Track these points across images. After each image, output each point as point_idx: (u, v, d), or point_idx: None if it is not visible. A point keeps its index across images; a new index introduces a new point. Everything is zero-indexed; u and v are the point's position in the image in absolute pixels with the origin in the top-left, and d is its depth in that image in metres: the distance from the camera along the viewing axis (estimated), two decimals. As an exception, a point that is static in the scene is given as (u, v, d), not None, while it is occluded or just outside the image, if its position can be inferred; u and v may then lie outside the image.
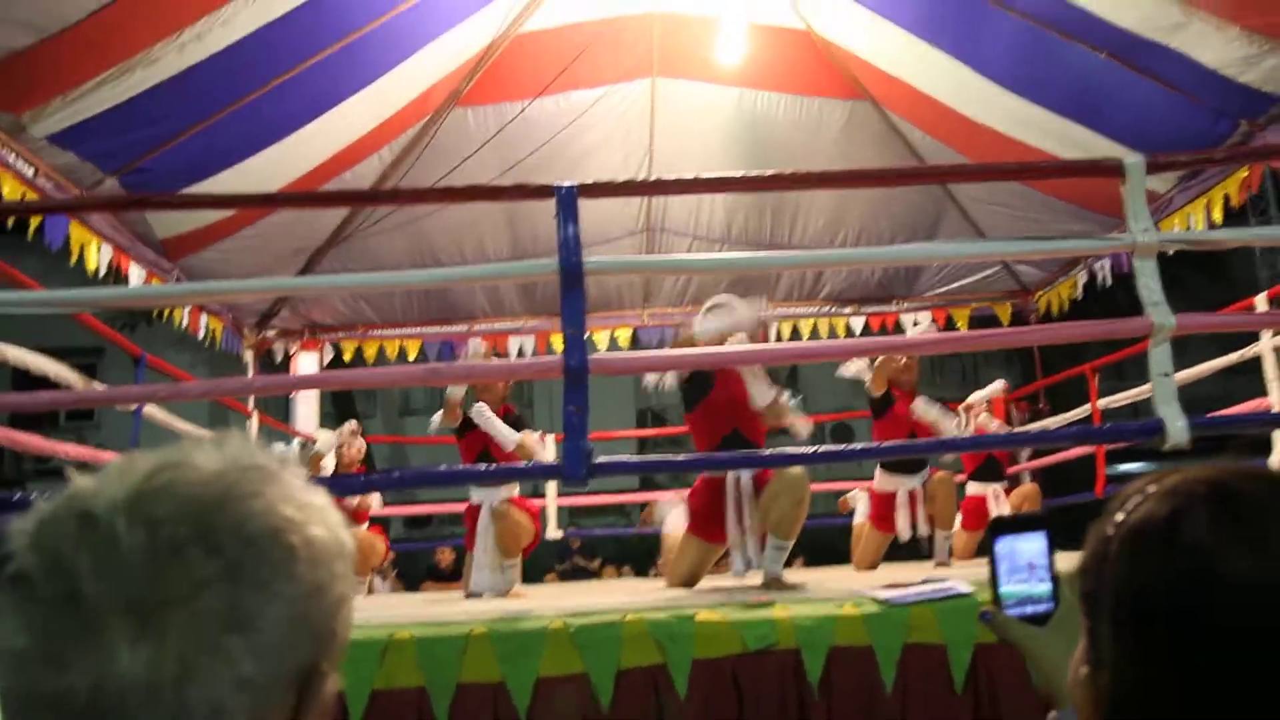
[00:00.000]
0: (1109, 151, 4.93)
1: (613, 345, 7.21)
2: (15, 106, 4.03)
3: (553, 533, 6.56)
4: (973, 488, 5.81)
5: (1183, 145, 4.72)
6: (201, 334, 6.04)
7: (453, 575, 7.89)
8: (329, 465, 5.45)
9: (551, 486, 6.78)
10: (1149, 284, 3.11)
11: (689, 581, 4.01)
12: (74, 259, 4.55)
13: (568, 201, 3.09)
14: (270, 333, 6.97)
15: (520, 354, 7.03)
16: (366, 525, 5.71)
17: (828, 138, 6.30)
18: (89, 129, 4.32)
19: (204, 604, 0.58)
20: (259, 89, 4.80)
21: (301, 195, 5.52)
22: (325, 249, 6.44)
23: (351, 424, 5.76)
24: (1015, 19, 4.84)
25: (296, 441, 6.08)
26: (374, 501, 5.83)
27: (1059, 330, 3.57)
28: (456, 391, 4.55)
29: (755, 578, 3.86)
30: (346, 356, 7.22)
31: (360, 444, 5.76)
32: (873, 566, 5.28)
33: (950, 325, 7.18)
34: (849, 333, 7.20)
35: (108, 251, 4.77)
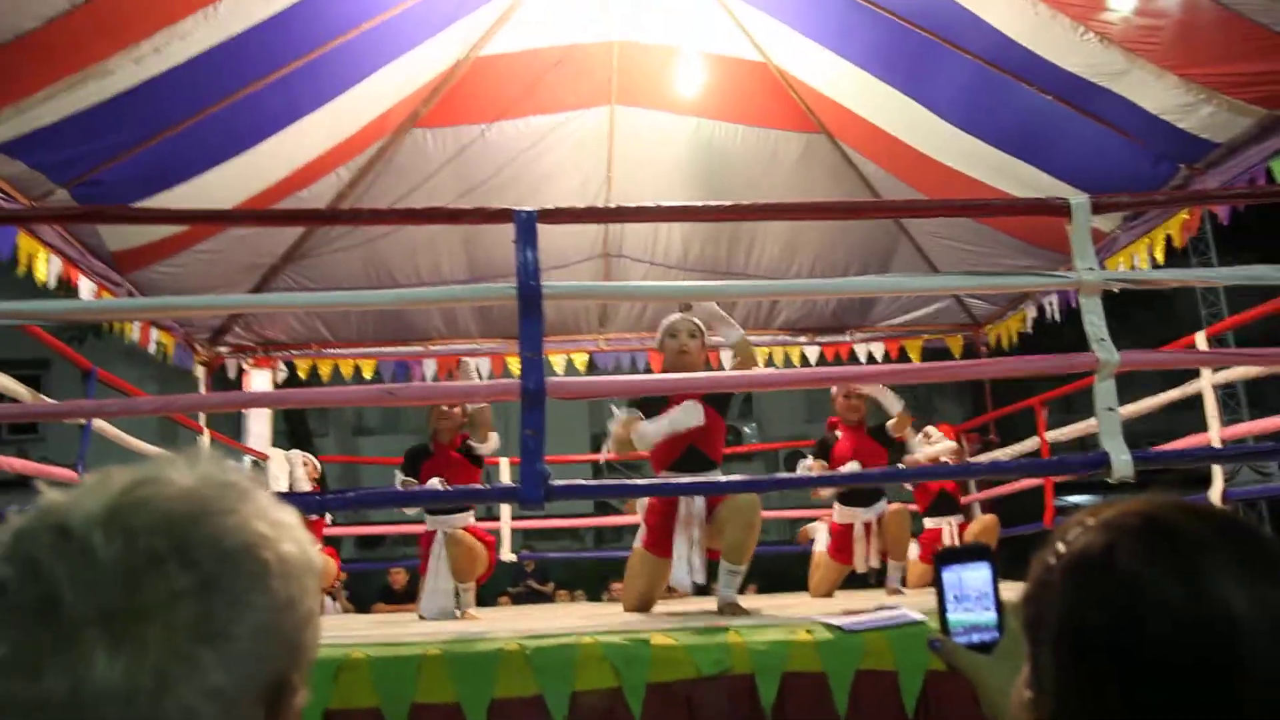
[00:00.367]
0: (1057, 190, 5.06)
1: (569, 369, 7.21)
2: (-36, 114, 3.97)
3: (506, 555, 6.53)
4: (929, 522, 5.91)
5: (1126, 186, 4.87)
6: (152, 349, 5.95)
7: (406, 597, 7.80)
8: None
9: (506, 509, 6.75)
10: (1094, 320, 3.21)
11: (644, 600, 4.01)
12: (22, 270, 4.47)
13: (527, 226, 3.12)
14: (223, 349, 6.89)
15: (477, 375, 7.00)
16: (320, 545, 5.65)
17: (784, 169, 6.38)
18: (40, 139, 4.25)
19: (179, 615, 0.59)
20: (216, 104, 4.77)
21: (258, 213, 5.48)
22: (281, 266, 6.39)
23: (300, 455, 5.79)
24: (966, 59, 4.97)
25: (248, 460, 6.01)
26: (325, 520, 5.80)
27: (1008, 364, 3.65)
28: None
29: (709, 603, 3.87)
30: (301, 374, 7.15)
31: (312, 471, 5.75)
32: (828, 595, 5.32)
33: (903, 357, 7.29)
34: (804, 361, 7.27)
35: (57, 264, 4.69)
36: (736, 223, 6.60)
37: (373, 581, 9.24)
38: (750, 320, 7.29)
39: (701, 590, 3.95)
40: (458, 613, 4.54)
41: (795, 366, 7.20)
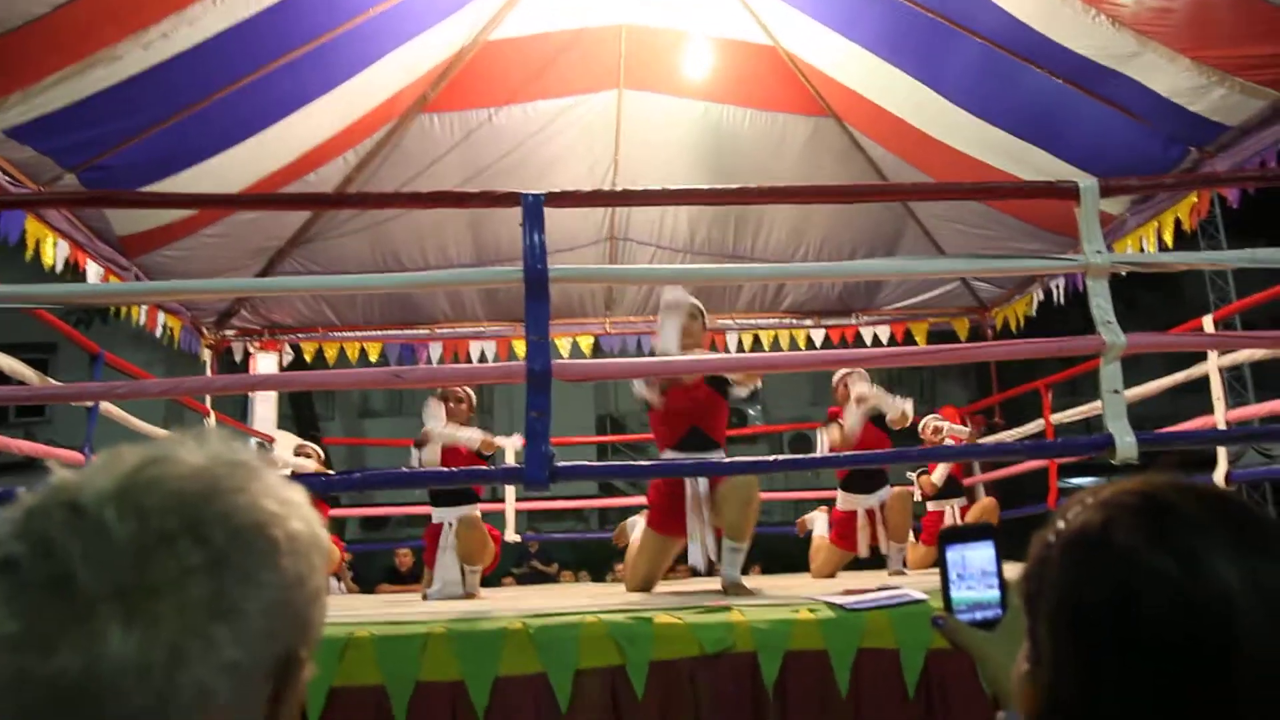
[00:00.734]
0: (1065, 173, 5.04)
1: (575, 352, 7.22)
2: (-27, 100, 3.98)
3: (511, 536, 6.56)
4: (932, 505, 5.94)
5: (1136, 170, 4.85)
6: (159, 332, 5.97)
7: (411, 578, 7.84)
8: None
9: (510, 491, 6.78)
10: (1101, 303, 3.20)
11: (647, 580, 4.07)
12: (30, 254, 4.49)
13: (534, 210, 3.12)
14: (229, 332, 6.91)
15: (482, 359, 7.02)
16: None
17: (791, 152, 6.36)
18: (49, 124, 4.26)
19: (192, 592, 0.60)
20: (224, 89, 4.77)
21: (265, 196, 5.49)
22: (287, 250, 6.40)
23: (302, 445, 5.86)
24: (976, 42, 4.94)
25: (254, 442, 6.04)
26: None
27: (1014, 347, 3.65)
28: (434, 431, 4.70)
29: (713, 583, 3.90)
30: (307, 357, 7.17)
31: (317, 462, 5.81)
32: (830, 576, 5.34)
33: (909, 340, 7.29)
34: (810, 344, 7.27)
35: (65, 248, 4.70)
36: (743, 206, 6.59)
37: (377, 562, 9.28)
38: (756, 303, 7.30)
39: (709, 569, 3.98)
40: (461, 592, 4.58)
41: (801, 350, 7.20)
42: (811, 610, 2.53)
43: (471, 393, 5.04)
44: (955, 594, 1.13)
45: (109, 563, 0.59)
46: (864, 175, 6.42)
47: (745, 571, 3.88)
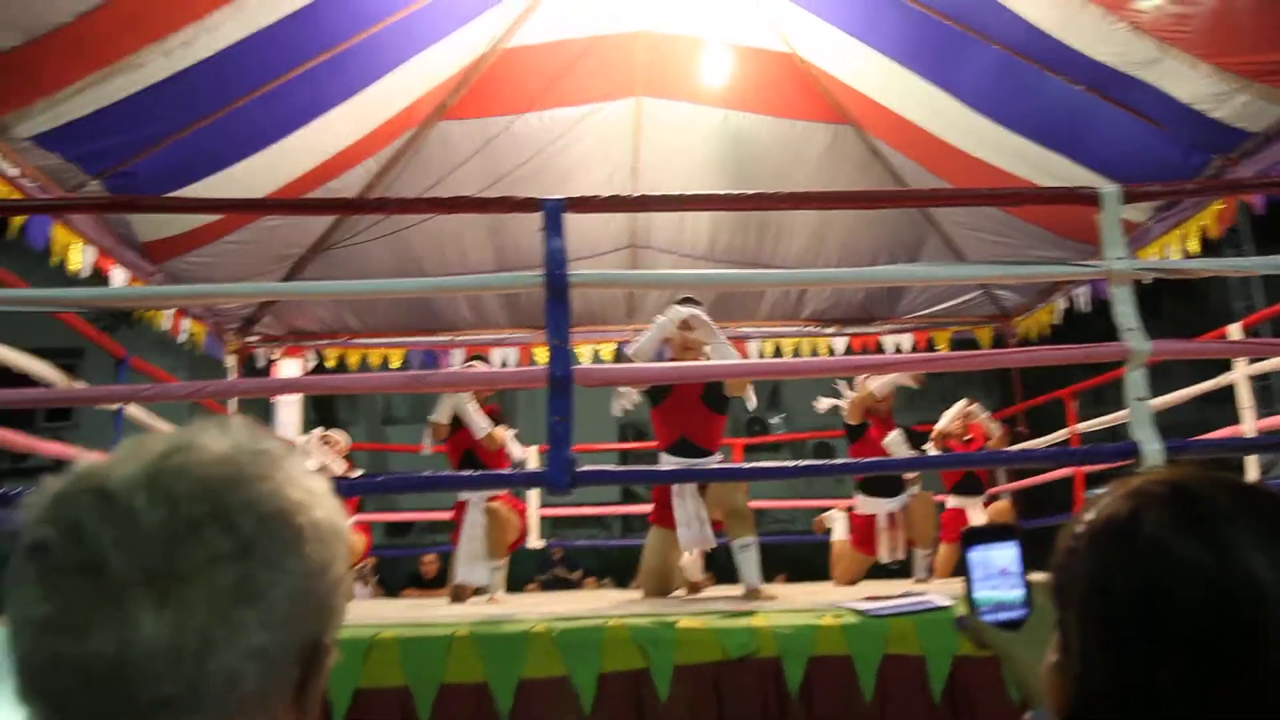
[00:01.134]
0: (1086, 180, 5.01)
1: (596, 360, 7.23)
2: (-1, 107, 4.03)
3: (534, 543, 6.56)
4: (953, 501, 5.89)
5: (1157, 177, 4.78)
6: (182, 338, 6.02)
7: (435, 583, 7.84)
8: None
9: (534, 496, 6.79)
10: (1125, 310, 3.18)
11: (661, 577, 4.19)
12: (55, 260, 4.54)
13: (554, 215, 3.14)
14: (252, 339, 6.95)
15: (504, 365, 7.03)
16: (352, 520, 5.80)
17: (811, 160, 6.36)
18: (74, 131, 4.31)
19: (220, 578, 0.60)
20: (245, 96, 4.81)
21: (288, 202, 5.53)
22: (309, 257, 6.44)
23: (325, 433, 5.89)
24: (994, 49, 4.93)
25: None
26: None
27: (1037, 353, 3.63)
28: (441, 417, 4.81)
29: (735, 589, 3.90)
30: (329, 364, 7.21)
31: (339, 448, 5.85)
32: (852, 583, 5.31)
33: (931, 348, 7.26)
34: (831, 353, 7.25)
35: (90, 253, 4.75)
36: (764, 214, 6.59)
37: (401, 568, 9.30)
38: (777, 311, 7.28)
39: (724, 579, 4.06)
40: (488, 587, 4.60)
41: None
42: (835, 616, 2.52)
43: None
44: (978, 594, 1.12)
45: (139, 548, 0.59)
46: (883, 183, 6.41)
47: (771, 579, 3.90)
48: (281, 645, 0.62)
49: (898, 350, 7.21)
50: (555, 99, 5.99)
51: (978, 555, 1.13)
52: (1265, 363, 5.03)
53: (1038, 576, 1.05)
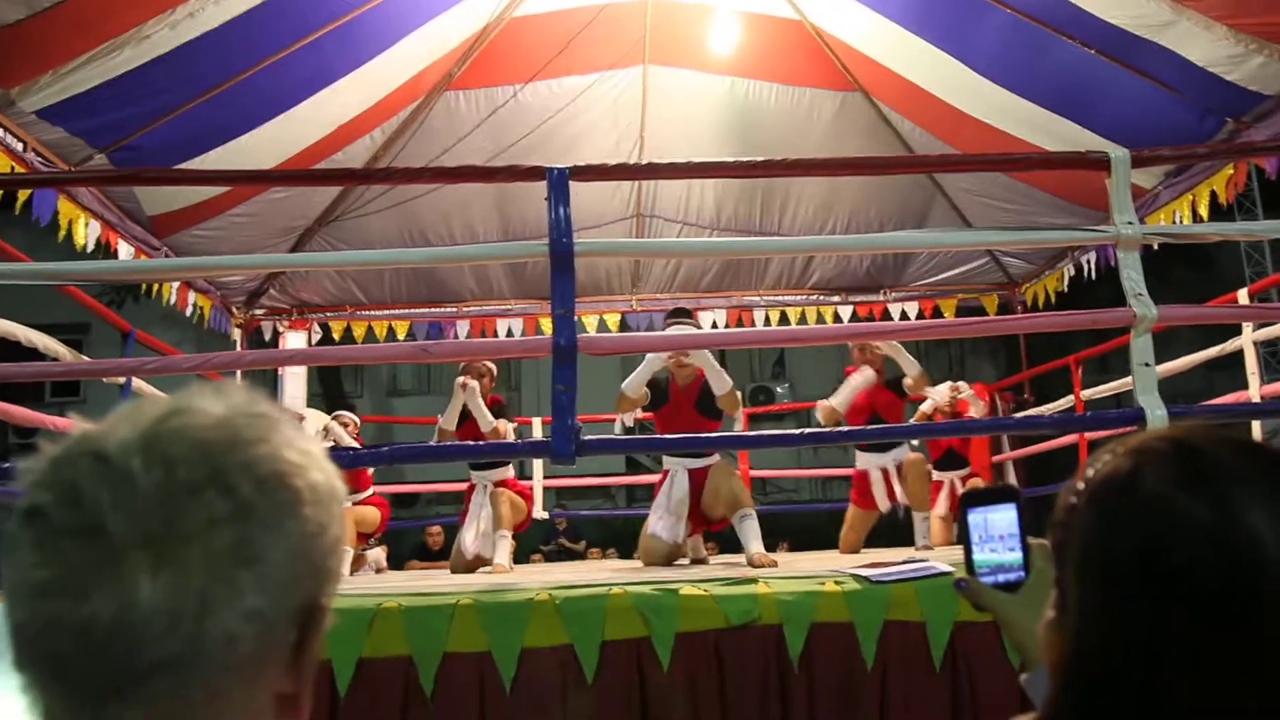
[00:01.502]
0: (1095, 146, 4.96)
1: (601, 329, 7.23)
2: (4, 81, 4.01)
3: (539, 513, 6.60)
4: (935, 475, 5.96)
5: (1169, 141, 4.75)
6: (189, 311, 6.04)
7: (442, 554, 7.89)
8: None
9: (539, 467, 6.82)
10: (1132, 275, 3.16)
11: (662, 560, 4.30)
12: (61, 234, 4.54)
13: (559, 184, 3.12)
14: (258, 311, 6.97)
15: (509, 336, 7.04)
16: (370, 492, 5.99)
17: (819, 127, 6.32)
18: (79, 104, 4.31)
19: (218, 541, 0.60)
20: (251, 68, 4.80)
21: (293, 173, 5.51)
22: (315, 229, 6.44)
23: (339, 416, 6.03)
24: (1005, 13, 4.87)
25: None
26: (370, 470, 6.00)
27: (1043, 319, 3.61)
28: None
29: (737, 557, 3.93)
30: (335, 336, 7.23)
31: (353, 429, 5.95)
32: (855, 549, 5.36)
33: (938, 316, 7.24)
34: (838, 321, 7.23)
35: (96, 227, 4.76)
36: (770, 182, 6.55)
37: (407, 539, 9.33)
38: (784, 279, 7.26)
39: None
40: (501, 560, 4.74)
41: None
42: (837, 583, 2.53)
43: (494, 368, 5.19)
44: (977, 556, 1.12)
45: (137, 511, 0.59)
46: (891, 149, 6.37)
47: (774, 548, 3.93)
48: (279, 607, 0.63)
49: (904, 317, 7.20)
50: (562, 68, 5.95)
51: (977, 518, 1.13)
52: (1273, 328, 5.01)
53: (1036, 540, 1.05)
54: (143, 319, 5.93)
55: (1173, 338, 3.37)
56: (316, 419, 5.87)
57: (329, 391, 13.89)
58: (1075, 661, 0.75)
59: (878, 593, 2.49)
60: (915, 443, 6.03)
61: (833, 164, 5.17)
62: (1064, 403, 6.36)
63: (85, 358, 4.35)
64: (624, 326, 7.35)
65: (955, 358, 19.10)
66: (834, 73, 6.09)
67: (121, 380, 4.59)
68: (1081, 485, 0.78)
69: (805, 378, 17.16)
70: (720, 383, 4.24)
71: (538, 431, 6.93)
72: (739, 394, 4.50)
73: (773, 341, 4.24)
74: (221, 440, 0.64)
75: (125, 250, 5.04)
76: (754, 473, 7.10)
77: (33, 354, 4.02)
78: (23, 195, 4.26)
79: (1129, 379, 3.21)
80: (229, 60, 4.68)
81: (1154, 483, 0.72)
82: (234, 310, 6.78)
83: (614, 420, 4.71)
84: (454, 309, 7.17)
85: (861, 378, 5.14)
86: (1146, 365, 3.09)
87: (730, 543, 4.84)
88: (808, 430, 3.33)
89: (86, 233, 4.67)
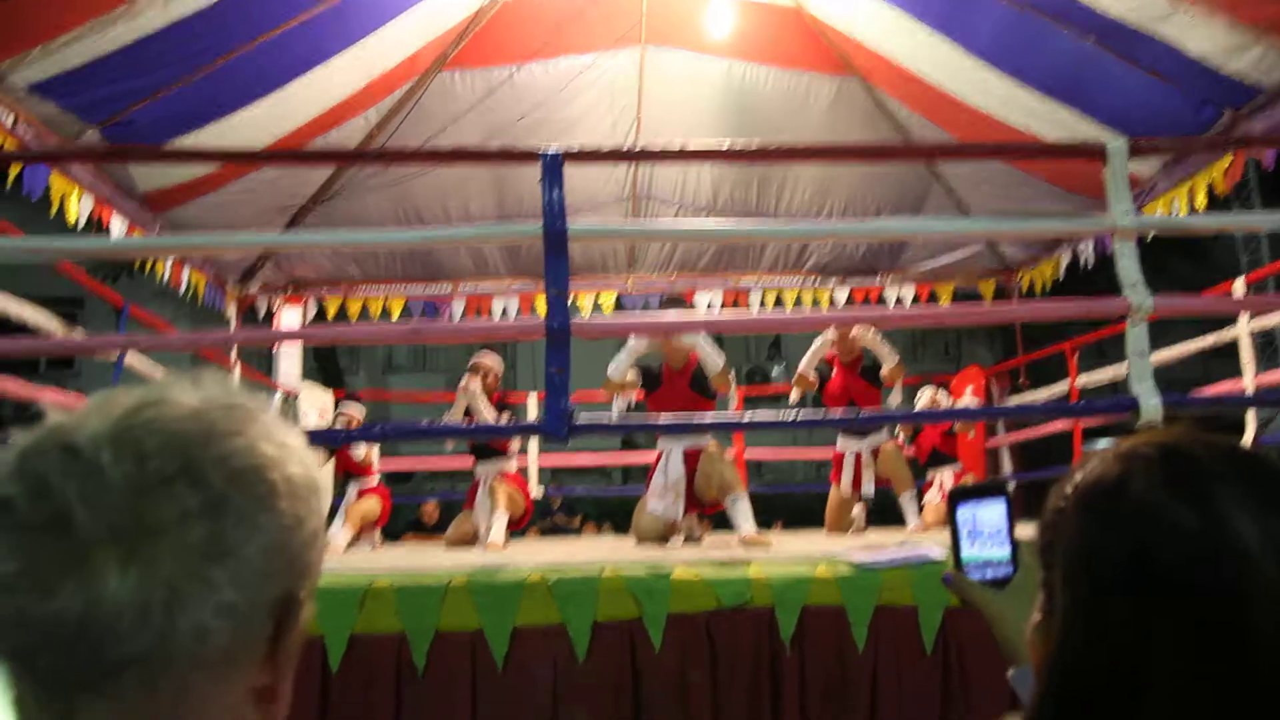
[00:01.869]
0: (1093, 135, 4.95)
1: (597, 310, 7.22)
2: (-5, 54, 3.99)
3: (533, 491, 6.63)
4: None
5: (1167, 132, 4.74)
6: (183, 288, 6.01)
7: (438, 529, 7.92)
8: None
9: (533, 446, 6.83)
10: (1128, 265, 3.17)
11: (657, 527, 4.44)
12: (54, 210, 4.51)
13: (553, 167, 3.11)
14: (253, 288, 6.94)
15: (504, 315, 7.03)
16: (375, 481, 6.12)
17: (816, 112, 6.29)
18: (71, 80, 4.26)
19: (190, 535, 0.59)
20: (245, 44, 4.75)
21: (288, 153, 5.48)
22: (310, 207, 6.40)
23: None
24: (1004, 2, 4.85)
25: (279, 396, 6.12)
26: (375, 458, 6.09)
27: (1039, 307, 3.62)
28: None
29: (730, 538, 3.95)
30: (330, 313, 7.21)
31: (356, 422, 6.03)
32: (839, 526, 5.42)
33: (934, 301, 7.24)
34: (832, 304, 7.23)
35: (89, 203, 4.72)
36: (767, 166, 6.53)
37: (403, 515, 9.35)
38: (780, 263, 7.25)
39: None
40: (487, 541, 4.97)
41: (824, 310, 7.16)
42: (829, 566, 2.54)
43: (498, 366, 5.39)
44: (966, 552, 1.13)
45: (106, 504, 0.58)
46: (888, 136, 6.34)
47: (768, 527, 3.96)
48: (253, 602, 0.62)
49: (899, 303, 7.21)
50: (559, 48, 5.90)
51: (965, 513, 1.13)
52: (1268, 318, 5.01)
53: (1024, 535, 1.05)
54: (137, 295, 5.89)
55: (1170, 324, 3.38)
56: (312, 394, 5.86)
57: (324, 368, 13.86)
58: (1061, 664, 0.75)
59: (870, 578, 2.50)
60: (898, 430, 6.13)
61: (830, 152, 5.18)
62: (1060, 389, 6.38)
63: (80, 329, 4.33)
64: (619, 307, 7.35)
65: (952, 343, 19.13)
66: (831, 58, 6.05)
67: (114, 355, 4.58)
68: (1069, 489, 0.78)
69: (800, 359, 17.21)
70: (712, 363, 4.30)
71: (533, 408, 6.94)
72: (732, 373, 4.57)
73: (770, 328, 4.26)
74: (195, 433, 0.63)
75: (118, 226, 5.00)
76: (748, 455, 7.12)
77: (25, 328, 4.01)
78: (14, 170, 4.24)
79: (1125, 365, 3.22)
80: (223, 36, 4.64)
81: (1141, 488, 0.72)
82: (228, 287, 6.75)
83: (607, 400, 4.73)
84: (449, 287, 7.15)
85: (821, 340, 5.36)
86: (1141, 354, 3.10)
87: (724, 522, 4.88)
88: (799, 417, 3.33)
89: (79, 208, 4.64)
